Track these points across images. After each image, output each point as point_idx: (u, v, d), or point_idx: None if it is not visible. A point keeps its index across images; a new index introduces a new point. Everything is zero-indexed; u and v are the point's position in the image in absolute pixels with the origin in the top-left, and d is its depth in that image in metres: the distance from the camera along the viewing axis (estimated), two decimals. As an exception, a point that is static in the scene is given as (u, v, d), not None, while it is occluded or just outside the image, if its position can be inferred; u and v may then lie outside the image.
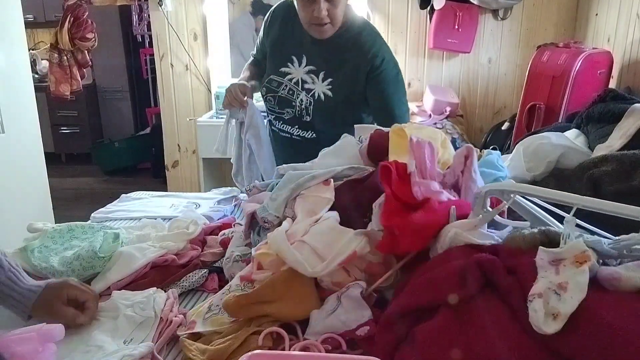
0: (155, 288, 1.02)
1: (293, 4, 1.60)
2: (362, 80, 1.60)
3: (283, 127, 1.73)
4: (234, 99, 1.66)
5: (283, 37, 1.68)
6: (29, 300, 0.91)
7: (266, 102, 1.73)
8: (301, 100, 1.64)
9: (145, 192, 1.74)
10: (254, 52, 1.84)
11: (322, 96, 1.62)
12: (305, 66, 1.65)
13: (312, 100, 1.63)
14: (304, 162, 1.20)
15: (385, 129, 1.12)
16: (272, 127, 1.78)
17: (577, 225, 0.75)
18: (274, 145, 1.81)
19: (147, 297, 0.96)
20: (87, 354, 0.83)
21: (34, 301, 0.91)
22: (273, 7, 1.74)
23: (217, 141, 1.78)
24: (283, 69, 1.67)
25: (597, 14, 2.88)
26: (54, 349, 0.63)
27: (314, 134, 1.69)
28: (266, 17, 1.75)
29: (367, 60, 1.58)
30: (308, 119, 1.66)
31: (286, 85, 1.66)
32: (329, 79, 1.62)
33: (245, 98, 1.66)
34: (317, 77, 1.63)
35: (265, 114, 1.79)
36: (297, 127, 1.70)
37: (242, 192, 1.64)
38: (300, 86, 1.65)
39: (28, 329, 0.63)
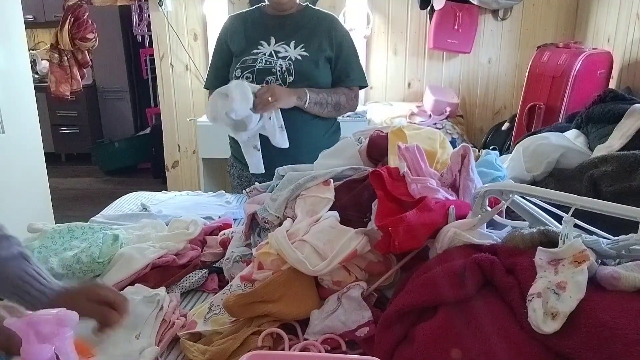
0: (164, 289, 1.02)
1: (239, 15, 1.80)
2: (328, 47, 1.73)
3: None
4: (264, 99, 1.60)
5: (247, 35, 1.76)
6: (50, 296, 0.86)
7: (244, 80, 1.71)
8: (280, 65, 1.69)
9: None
10: (209, 81, 1.84)
11: (299, 57, 1.69)
12: (275, 43, 1.72)
13: (291, 62, 1.69)
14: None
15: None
16: None
17: (576, 226, 0.75)
18: None
19: (155, 294, 0.97)
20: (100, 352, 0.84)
21: (58, 298, 0.87)
22: (223, 25, 1.82)
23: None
24: (254, 51, 1.72)
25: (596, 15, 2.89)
26: (70, 333, 0.64)
27: None
28: (220, 35, 1.81)
29: (329, 30, 1.74)
30: (291, 79, 1.69)
31: (261, 59, 1.70)
32: (301, 45, 1.71)
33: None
34: (289, 46, 1.71)
35: None
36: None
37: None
38: (275, 56, 1.70)
39: (46, 311, 0.64)
